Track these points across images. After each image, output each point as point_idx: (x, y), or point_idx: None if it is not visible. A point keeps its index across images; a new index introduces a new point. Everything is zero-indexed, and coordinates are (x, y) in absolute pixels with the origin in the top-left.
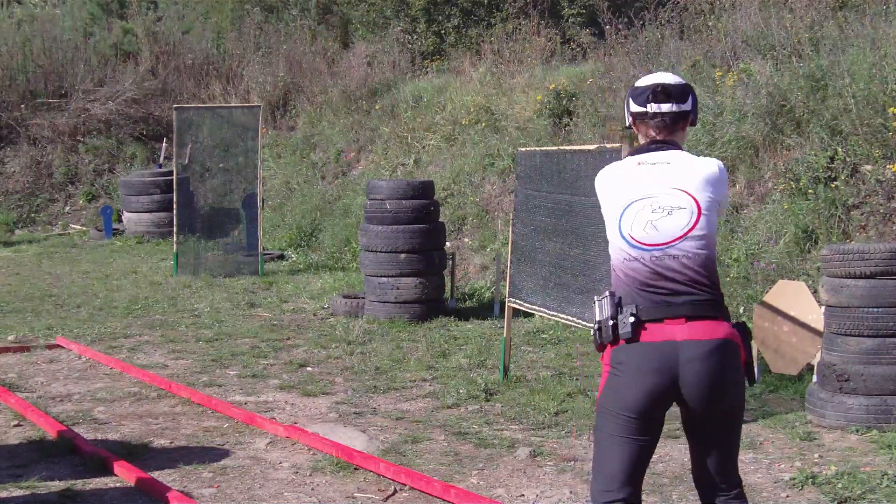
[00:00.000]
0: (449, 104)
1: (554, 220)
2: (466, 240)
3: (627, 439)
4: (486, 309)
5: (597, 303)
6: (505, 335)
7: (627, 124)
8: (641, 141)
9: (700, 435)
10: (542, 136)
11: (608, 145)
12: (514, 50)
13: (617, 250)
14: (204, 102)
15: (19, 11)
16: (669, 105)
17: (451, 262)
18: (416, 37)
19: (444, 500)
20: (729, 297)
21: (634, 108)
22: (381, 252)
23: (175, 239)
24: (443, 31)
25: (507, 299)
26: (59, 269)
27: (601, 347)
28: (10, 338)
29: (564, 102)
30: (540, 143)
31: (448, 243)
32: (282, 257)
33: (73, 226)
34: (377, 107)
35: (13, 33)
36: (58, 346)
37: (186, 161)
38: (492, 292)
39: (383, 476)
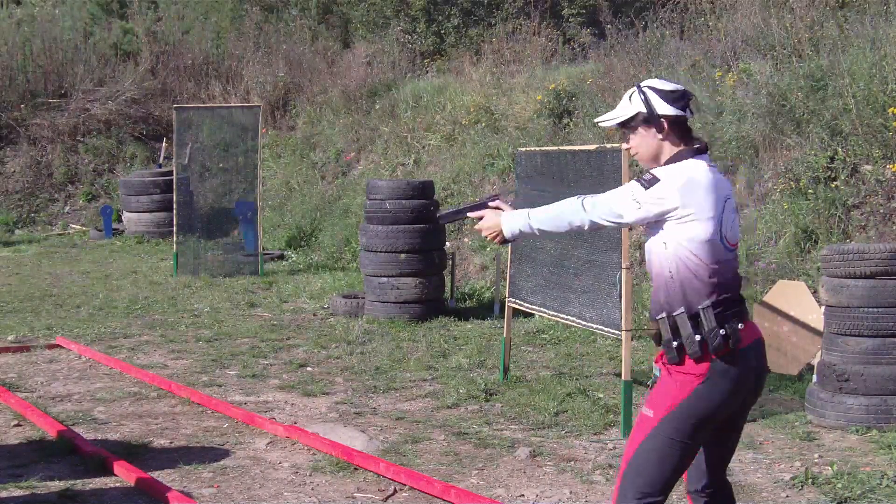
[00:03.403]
0: (449, 104)
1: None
2: (466, 240)
3: (686, 455)
4: (486, 309)
5: (683, 316)
6: (505, 335)
7: (640, 123)
8: (668, 143)
9: (730, 433)
10: (541, 137)
11: (608, 145)
12: (515, 50)
13: (710, 252)
14: (204, 102)
15: (19, 11)
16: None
17: (450, 262)
18: (416, 37)
19: (444, 500)
20: None
21: (672, 111)
22: (380, 252)
23: (175, 239)
24: (443, 31)
25: (507, 299)
26: (58, 269)
27: (699, 359)
28: (10, 338)
29: (564, 102)
30: (540, 144)
31: (448, 243)
32: (282, 257)
33: (72, 226)
34: (377, 107)
35: (13, 33)
36: (58, 345)
37: (186, 161)
38: (492, 292)
39: (383, 476)
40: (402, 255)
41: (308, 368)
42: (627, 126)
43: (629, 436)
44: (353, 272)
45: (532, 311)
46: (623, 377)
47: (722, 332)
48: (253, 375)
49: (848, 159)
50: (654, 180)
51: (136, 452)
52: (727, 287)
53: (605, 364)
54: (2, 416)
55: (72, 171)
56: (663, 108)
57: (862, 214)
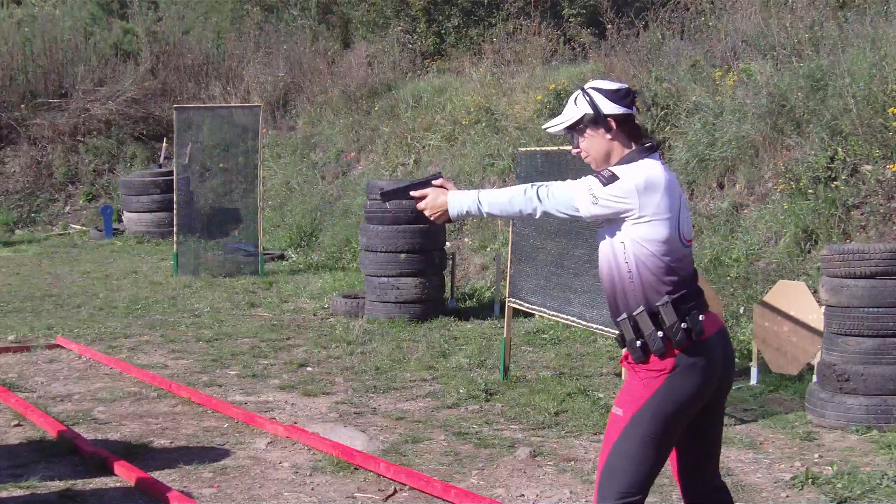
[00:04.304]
0: (449, 104)
1: (555, 220)
2: (466, 240)
3: (662, 450)
4: (487, 309)
5: (644, 314)
6: (505, 335)
7: (588, 124)
8: (619, 143)
9: (710, 425)
10: (542, 136)
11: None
12: (515, 50)
13: (670, 250)
14: (204, 102)
15: (19, 11)
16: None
17: (451, 262)
18: (416, 37)
19: (445, 500)
20: (729, 296)
21: (618, 109)
22: (381, 252)
23: (175, 239)
24: (443, 31)
25: (507, 299)
26: (59, 269)
27: (664, 355)
28: (11, 338)
29: (565, 102)
30: (540, 144)
31: (448, 243)
32: (282, 257)
33: (73, 226)
34: (377, 107)
35: (13, 33)
36: (58, 345)
37: (186, 161)
38: (492, 292)
39: (383, 476)
40: (403, 255)
41: (308, 368)
42: (576, 129)
43: (605, 436)
44: (353, 272)
45: (532, 311)
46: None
47: (684, 325)
48: (253, 375)
49: (848, 159)
50: (614, 178)
51: (137, 452)
52: (685, 282)
53: (605, 364)
54: (2, 416)
55: (72, 171)
56: (609, 108)
57: (862, 214)
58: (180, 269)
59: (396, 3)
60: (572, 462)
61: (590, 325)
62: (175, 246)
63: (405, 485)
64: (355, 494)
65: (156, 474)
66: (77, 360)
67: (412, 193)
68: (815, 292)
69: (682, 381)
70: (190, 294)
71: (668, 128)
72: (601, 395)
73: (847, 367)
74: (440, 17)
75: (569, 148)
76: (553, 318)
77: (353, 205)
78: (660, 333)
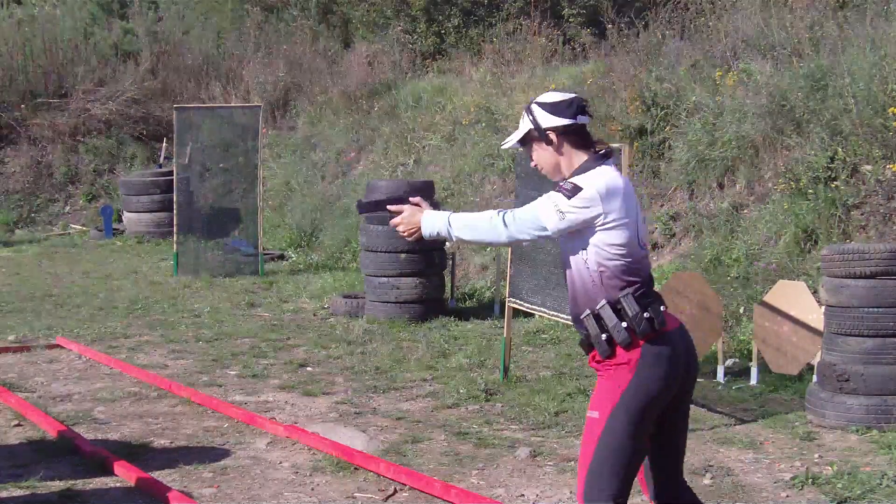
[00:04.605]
0: (449, 104)
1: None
2: None
3: (640, 445)
4: (486, 309)
5: (606, 308)
6: (505, 335)
7: (533, 140)
8: (567, 154)
9: (674, 422)
10: None
11: (612, 145)
12: (515, 50)
13: (630, 252)
14: (204, 102)
15: (19, 11)
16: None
17: (451, 262)
18: (416, 37)
19: (445, 500)
20: (729, 296)
21: (559, 121)
22: (381, 252)
23: (175, 239)
24: (443, 31)
25: (507, 299)
26: (59, 269)
27: (628, 346)
28: (11, 338)
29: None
30: None
31: (448, 243)
32: (282, 257)
33: (73, 226)
34: (377, 107)
35: (13, 33)
36: (58, 346)
37: (187, 161)
38: (492, 292)
39: (383, 476)
40: (403, 255)
41: (308, 368)
42: (526, 144)
43: (582, 440)
44: (353, 272)
45: (532, 311)
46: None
47: (646, 314)
48: (253, 375)
49: (848, 159)
50: (576, 188)
51: (137, 452)
52: (644, 281)
53: None
54: (2, 416)
55: (72, 171)
56: (548, 121)
57: (862, 214)
58: (180, 269)
59: (396, 3)
60: (572, 462)
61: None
62: (175, 246)
63: (405, 485)
64: (355, 494)
65: (156, 474)
66: (77, 360)
67: (389, 208)
68: (815, 292)
69: (651, 372)
70: (190, 294)
71: (668, 128)
72: None
73: (847, 367)
74: (440, 17)
75: None
76: (553, 318)
77: (353, 205)
78: (623, 324)
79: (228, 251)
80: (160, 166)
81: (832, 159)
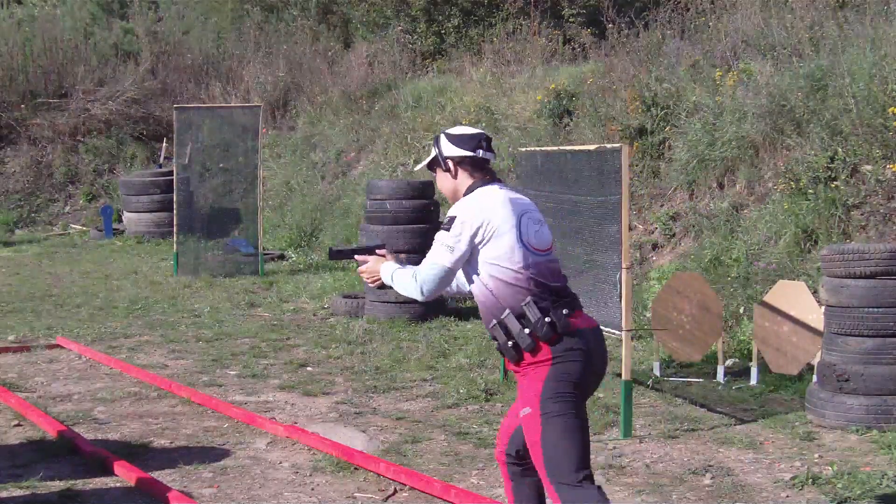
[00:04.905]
0: (449, 104)
1: (556, 220)
2: None
3: (581, 420)
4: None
5: (510, 316)
6: None
7: (437, 165)
8: (460, 180)
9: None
10: (542, 136)
11: (608, 145)
12: (515, 50)
13: (519, 258)
14: (204, 102)
15: (19, 11)
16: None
17: None
18: (416, 37)
19: (445, 500)
20: (729, 296)
21: (459, 152)
22: None
23: (175, 239)
24: (443, 31)
25: None
26: (59, 269)
27: (534, 350)
28: (11, 338)
29: (564, 102)
30: (540, 144)
31: None
32: (282, 257)
33: (73, 226)
34: (377, 107)
35: (13, 33)
36: (58, 345)
37: (186, 161)
38: None
39: (383, 476)
40: (403, 256)
41: (308, 368)
42: (432, 168)
43: (528, 441)
44: (352, 272)
45: None
46: (623, 377)
47: (547, 319)
48: (253, 375)
49: (848, 159)
50: (452, 219)
51: (137, 452)
52: (545, 285)
53: None
54: (2, 415)
55: (72, 171)
56: (450, 151)
57: (862, 214)
58: (180, 269)
59: (396, 3)
60: None
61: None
62: (175, 246)
63: (405, 485)
64: (355, 494)
65: (156, 474)
66: (77, 360)
67: (357, 257)
68: (815, 292)
69: (565, 366)
70: (190, 294)
71: (668, 128)
72: (601, 395)
73: (847, 367)
74: (440, 17)
75: (568, 148)
76: None
77: (353, 205)
78: (526, 331)
79: (228, 251)
80: (160, 166)
81: (832, 159)
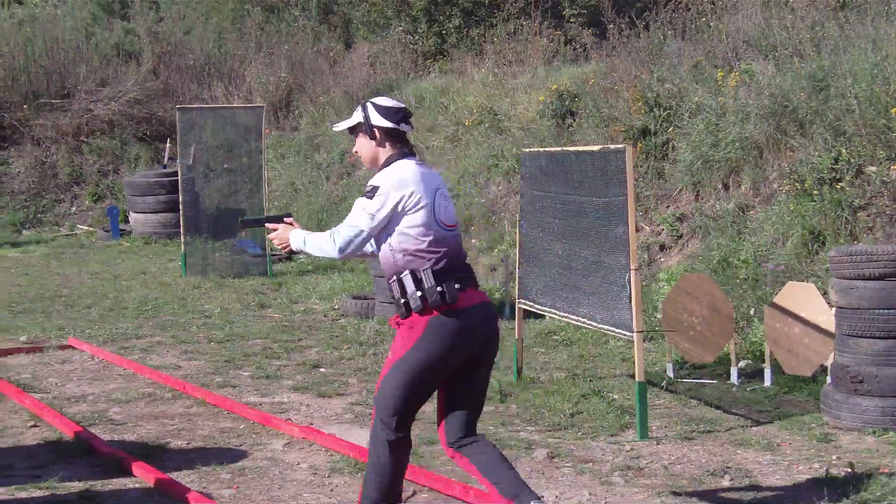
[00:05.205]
0: (452, 105)
1: (562, 221)
2: (474, 241)
3: (425, 386)
4: (497, 310)
5: (408, 276)
6: (517, 336)
7: (360, 131)
8: (382, 149)
9: (468, 383)
10: (545, 137)
11: (612, 146)
12: (516, 50)
13: (429, 232)
14: (206, 103)
15: (20, 12)
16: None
17: None
18: (417, 37)
19: (463, 501)
20: (739, 298)
21: (386, 123)
22: None
23: (182, 239)
24: (444, 32)
25: (516, 301)
26: (67, 270)
27: (423, 312)
28: (23, 338)
29: (567, 103)
30: (543, 144)
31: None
32: (290, 258)
33: (80, 226)
34: None
35: (15, 33)
36: (70, 346)
37: (191, 161)
38: (501, 293)
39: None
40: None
41: (321, 369)
42: (354, 132)
43: (379, 379)
44: (361, 273)
45: (543, 313)
46: (637, 378)
47: (439, 289)
48: (266, 376)
49: (852, 160)
50: (374, 189)
51: (154, 453)
52: (448, 259)
53: (618, 365)
54: (18, 416)
55: (76, 171)
56: (378, 121)
57: (868, 216)
58: (189, 270)
59: (397, 3)
60: (590, 463)
61: (600, 326)
62: (183, 247)
63: (424, 486)
64: None
65: (174, 475)
66: (90, 360)
67: (267, 225)
68: (824, 294)
69: (434, 338)
70: (199, 295)
71: (671, 128)
72: (616, 397)
73: (860, 369)
74: (441, 18)
75: (572, 148)
76: (564, 319)
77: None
78: (419, 293)
79: (236, 252)
80: (165, 167)
81: (836, 160)
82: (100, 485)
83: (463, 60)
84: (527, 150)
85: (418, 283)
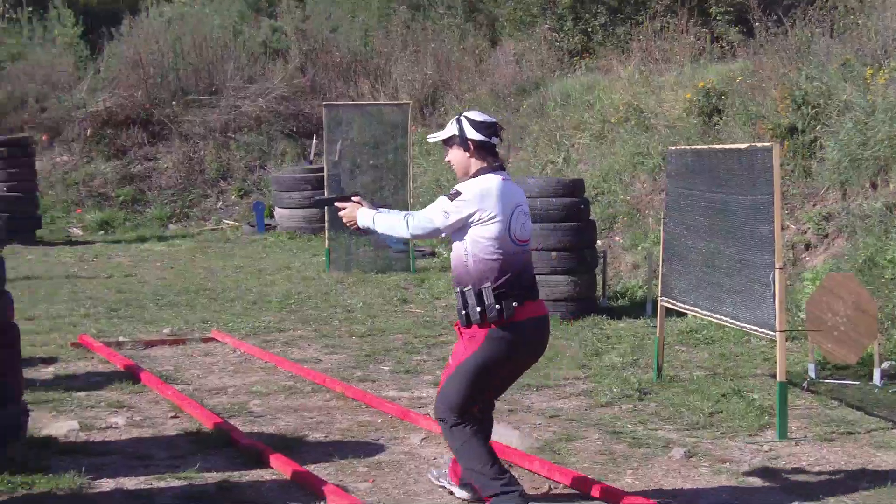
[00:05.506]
0: (597, 102)
1: (707, 219)
2: (617, 238)
3: (481, 389)
4: (639, 308)
5: (471, 291)
6: (658, 334)
7: (455, 143)
8: (474, 160)
9: (511, 379)
10: (691, 135)
11: (759, 144)
12: (663, 48)
13: (500, 246)
14: (353, 100)
15: (169, 10)
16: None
17: (602, 260)
18: (563, 35)
19: (598, 500)
20: (885, 298)
21: (478, 136)
22: (532, 250)
23: (326, 235)
24: (590, 29)
25: (659, 298)
26: (212, 264)
27: (482, 325)
28: (166, 331)
29: (714, 101)
30: (689, 142)
31: (599, 241)
32: (433, 254)
33: (225, 221)
34: (525, 105)
35: (164, 32)
36: (212, 339)
37: (337, 158)
38: (644, 291)
39: (537, 474)
40: (554, 254)
41: None
42: (448, 144)
43: (440, 383)
44: None
45: (685, 311)
46: (778, 378)
47: (497, 307)
48: (406, 371)
49: None
50: (457, 193)
51: (292, 445)
52: (512, 274)
53: (759, 365)
54: (159, 407)
55: (223, 167)
56: (472, 134)
57: None
58: (332, 265)
59: (543, 1)
60: (728, 463)
61: (743, 325)
62: (327, 242)
63: (559, 482)
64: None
65: (311, 468)
66: (231, 353)
67: (337, 204)
68: None
69: (492, 347)
70: (342, 290)
71: (818, 127)
72: (756, 397)
73: None
74: (587, 15)
75: (718, 147)
76: (706, 317)
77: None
78: (478, 308)
79: (380, 247)
80: (310, 162)
81: None
82: (237, 476)
83: (609, 58)
84: (673, 147)
85: (480, 299)
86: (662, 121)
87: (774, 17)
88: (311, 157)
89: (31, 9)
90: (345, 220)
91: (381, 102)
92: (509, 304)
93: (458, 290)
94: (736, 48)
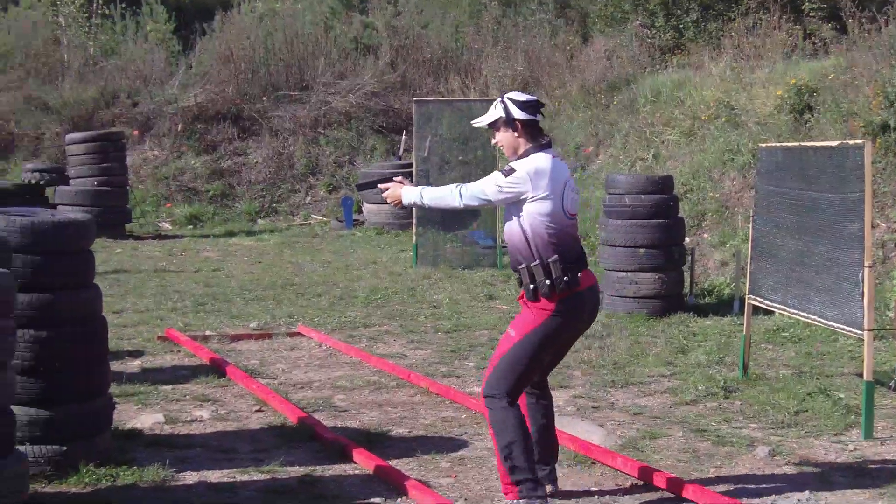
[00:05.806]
0: (688, 99)
1: (797, 217)
2: (706, 235)
3: (539, 362)
4: (726, 305)
5: (539, 266)
6: (745, 332)
7: (502, 125)
8: (523, 140)
9: (566, 348)
10: (782, 132)
11: (850, 142)
12: (754, 44)
13: (556, 220)
14: (443, 96)
15: (261, 6)
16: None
17: (690, 257)
18: (654, 31)
19: (682, 498)
20: None
21: (524, 116)
22: (619, 247)
23: (414, 230)
24: (681, 26)
25: (747, 296)
26: (300, 259)
27: (549, 297)
28: (253, 325)
29: (805, 98)
30: (780, 139)
31: (687, 239)
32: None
33: (314, 216)
34: (616, 101)
35: (255, 27)
36: (299, 333)
37: (426, 154)
38: (731, 289)
39: (620, 471)
40: (642, 250)
41: None
42: (494, 126)
43: (495, 352)
44: (591, 266)
45: (772, 309)
46: (865, 377)
47: (566, 278)
48: None
49: None
50: (511, 171)
51: (375, 440)
52: (568, 245)
53: (846, 364)
54: (244, 401)
55: (313, 162)
56: (518, 114)
57: None
58: (419, 261)
59: None
60: (812, 462)
61: (831, 324)
62: (414, 237)
63: (642, 481)
64: (591, 489)
65: (394, 463)
66: (317, 348)
67: (379, 185)
68: None
69: (558, 320)
70: (429, 285)
71: None
72: (842, 396)
73: None
74: (679, 12)
75: (809, 144)
76: (794, 315)
77: (591, 199)
78: (548, 282)
79: (467, 243)
80: (399, 158)
81: None
82: (320, 470)
83: (700, 54)
84: (763, 145)
85: (548, 273)
86: (753, 118)
87: (868, 14)
88: (401, 152)
89: (124, 5)
90: (389, 199)
91: (471, 98)
92: (574, 275)
93: (522, 266)
94: (828, 45)
